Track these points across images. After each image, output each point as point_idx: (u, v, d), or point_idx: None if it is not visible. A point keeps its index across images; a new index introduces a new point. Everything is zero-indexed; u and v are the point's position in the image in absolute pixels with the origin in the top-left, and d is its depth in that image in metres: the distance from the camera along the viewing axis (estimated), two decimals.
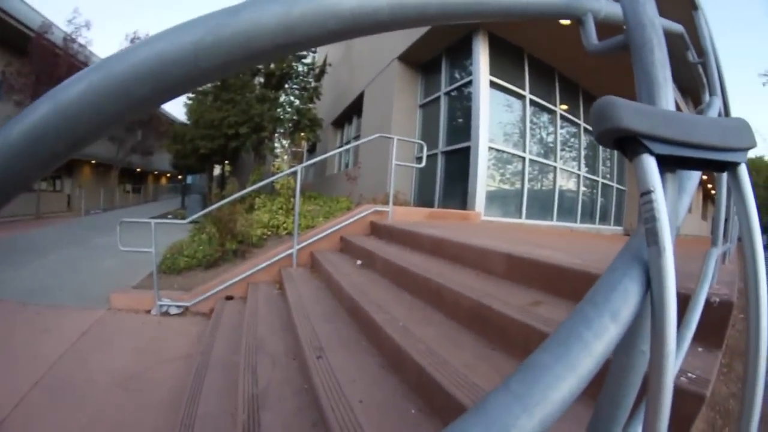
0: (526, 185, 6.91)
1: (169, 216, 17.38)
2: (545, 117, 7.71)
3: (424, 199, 7.72)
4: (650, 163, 0.42)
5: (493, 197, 6.46)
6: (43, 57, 13.87)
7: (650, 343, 0.41)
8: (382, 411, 1.66)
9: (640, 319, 0.43)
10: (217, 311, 4.04)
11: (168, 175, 37.16)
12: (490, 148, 6.25)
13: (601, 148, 9.40)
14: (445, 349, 1.88)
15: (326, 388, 1.85)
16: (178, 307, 4.35)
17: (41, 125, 0.34)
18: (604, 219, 9.52)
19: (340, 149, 8.59)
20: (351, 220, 4.69)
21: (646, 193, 0.41)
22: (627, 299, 0.38)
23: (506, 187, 6.85)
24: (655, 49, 0.53)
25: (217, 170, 19.82)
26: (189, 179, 24.61)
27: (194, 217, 5.14)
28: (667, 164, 0.43)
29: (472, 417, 0.29)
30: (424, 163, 5.18)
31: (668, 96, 0.51)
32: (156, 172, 35.55)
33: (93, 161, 22.73)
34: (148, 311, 4.36)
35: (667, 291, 0.39)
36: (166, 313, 4.31)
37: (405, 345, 1.93)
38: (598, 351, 0.34)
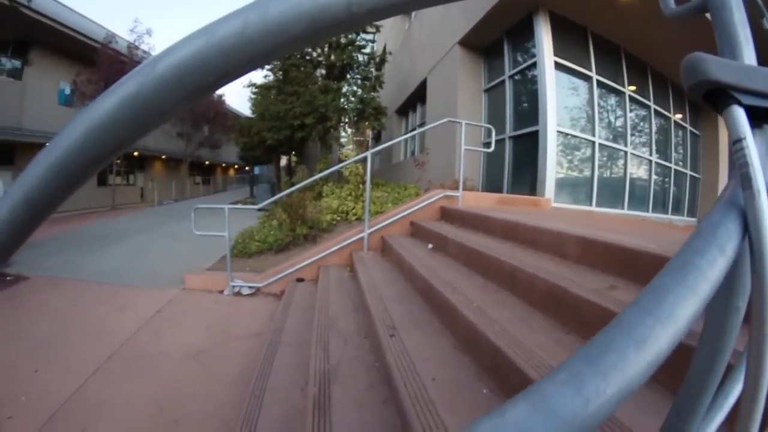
0: (596, 171, 6.67)
1: (239, 203, 18.38)
2: (613, 99, 7.34)
3: (492, 185, 7.64)
4: (740, 114, 0.43)
5: (562, 184, 6.32)
6: (110, 65, 15.19)
7: (749, 293, 0.41)
8: (454, 389, 1.67)
9: (736, 271, 0.43)
10: (288, 292, 4.14)
11: (236, 166, 38.91)
12: (559, 132, 6.10)
13: (673, 132, 8.79)
14: (519, 331, 1.89)
15: (399, 366, 1.86)
16: (250, 287, 4.52)
17: (111, 116, 0.37)
18: (677, 209, 8.91)
19: (406, 135, 8.61)
20: (421, 205, 4.82)
21: (738, 141, 0.42)
22: (730, 236, 0.39)
23: (575, 173, 6.66)
24: (734, 9, 0.53)
25: (283, 161, 20.64)
26: (256, 170, 25.78)
27: (265, 203, 5.32)
28: (756, 116, 0.44)
29: (613, 329, 0.30)
30: (493, 148, 5.20)
31: (751, 53, 0.52)
32: (224, 165, 37.23)
33: (163, 156, 24.24)
34: (221, 291, 4.53)
35: (764, 232, 0.39)
36: (239, 294, 4.48)
37: (479, 325, 1.95)
38: (713, 277, 0.35)
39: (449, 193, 4.91)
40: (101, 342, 3.16)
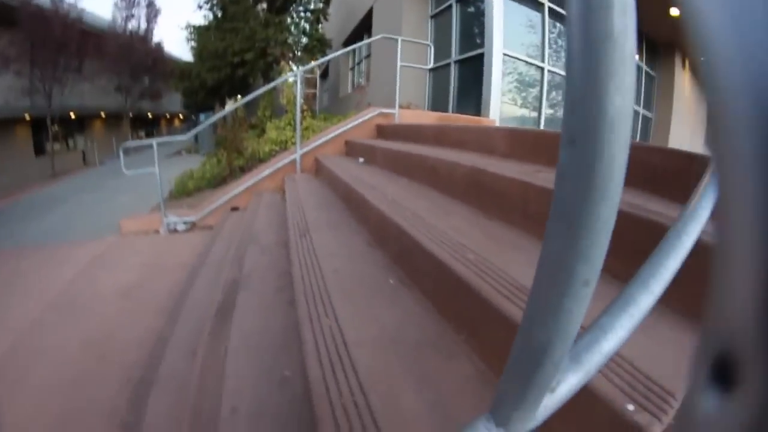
0: (545, 97, 6.51)
1: (183, 151, 17.45)
2: (565, 26, 7.16)
3: (437, 108, 7.37)
4: None
5: (509, 108, 6.17)
6: (34, 23, 13.94)
7: None
8: (356, 280, 1.60)
9: None
10: (220, 221, 4.05)
11: (180, 116, 37.17)
12: (506, 56, 5.85)
13: None
14: (434, 216, 1.81)
15: (302, 263, 1.78)
16: (185, 223, 4.34)
17: None
18: None
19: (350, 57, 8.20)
20: (356, 122, 4.50)
21: None
22: None
23: (523, 97, 6.51)
24: None
25: (229, 106, 19.71)
26: (202, 117, 24.69)
27: (193, 132, 4.97)
28: None
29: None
30: (432, 64, 4.90)
31: None
32: (168, 115, 35.76)
33: (103, 114, 22.88)
34: (157, 231, 4.39)
35: None
36: (175, 231, 4.33)
37: (391, 214, 1.85)
38: None
39: (386, 110, 4.61)
40: (38, 297, 3.13)
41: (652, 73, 10.01)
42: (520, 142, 2.37)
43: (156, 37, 27.74)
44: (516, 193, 1.67)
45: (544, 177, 1.66)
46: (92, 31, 19.27)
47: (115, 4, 23.55)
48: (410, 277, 1.57)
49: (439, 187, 2.33)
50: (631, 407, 0.66)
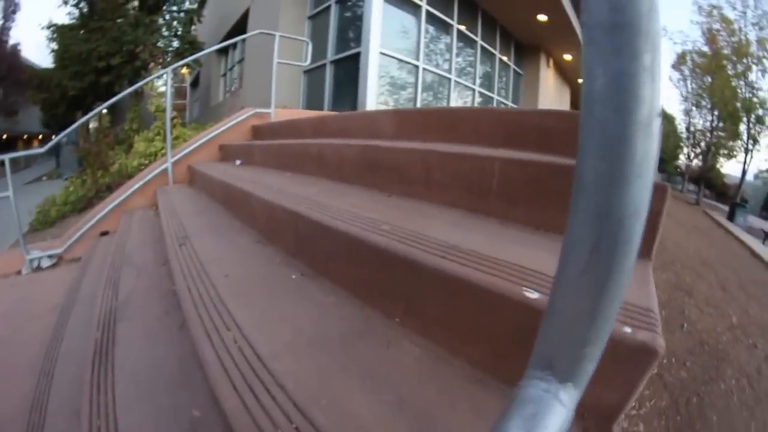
0: (420, 94, 6.85)
1: (44, 178, 15.40)
2: (442, 30, 7.62)
3: (312, 107, 7.34)
4: None
5: (385, 103, 6.32)
6: None
7: None
8: (253, 282, 1.41)
9: None
10: (90, 249, 3.56)
11: (40, 137, 32.63)
12: (382, 54, 6.02)
13: (497, 68, 9.87)
14: (330, 199, 1.70)
15: (186, 273, 1.56)
16: (50, 257, 3.80)
17: None
18: None
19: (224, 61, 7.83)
20: (229, 124, 4.24)
21: None
22: None
23: (399, 94, 6.71)
24: None
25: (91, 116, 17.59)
26: (65, 138, 21.73)
27: (52, 144, 4.32)
28: None
29: None
30: (308, 61, 4.83)
31: None
32: (26, 136, 31.24)
33: None
34: (19, 272, 3.75)
35: None
36: (39, 268, 3.76)
37: (281, 202, 1.69)
38: None
39: (261, 110, 4.43)
40: None
41: (519, 70, 11.27)
42: (408, 121, 2.33)
43: (12, 39, 23.61)
44: (416, 163, 1.64)
45: (444, 146, 1.67)
46: None
47: None
48: (314, 268, 1.43)
49: (328, 174, 2.22)
50: None
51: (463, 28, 8.03)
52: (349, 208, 1.51)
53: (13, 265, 3.77)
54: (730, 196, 19.08)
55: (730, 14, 14.93)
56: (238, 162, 3.58)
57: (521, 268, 0.92)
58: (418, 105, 6.79)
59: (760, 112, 14.46)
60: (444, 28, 7.62)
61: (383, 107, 6.12)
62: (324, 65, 7.01)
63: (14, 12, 22.48)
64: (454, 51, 7.82)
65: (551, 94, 12.57)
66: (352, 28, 6.61)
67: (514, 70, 10.99)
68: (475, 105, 8.69)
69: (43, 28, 12.83)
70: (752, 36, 14.47)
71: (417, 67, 6.74)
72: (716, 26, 15.31)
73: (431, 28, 7.21)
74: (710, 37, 15.41)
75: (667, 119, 18.55)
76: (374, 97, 5.86)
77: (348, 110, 5.87)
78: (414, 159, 1.68)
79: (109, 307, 1.79)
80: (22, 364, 2.20)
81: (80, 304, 2.38)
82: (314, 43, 7.15)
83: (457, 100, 8.06)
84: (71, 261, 3.80)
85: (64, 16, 12.24)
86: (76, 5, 10.99)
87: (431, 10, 7.01)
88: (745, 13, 14.58)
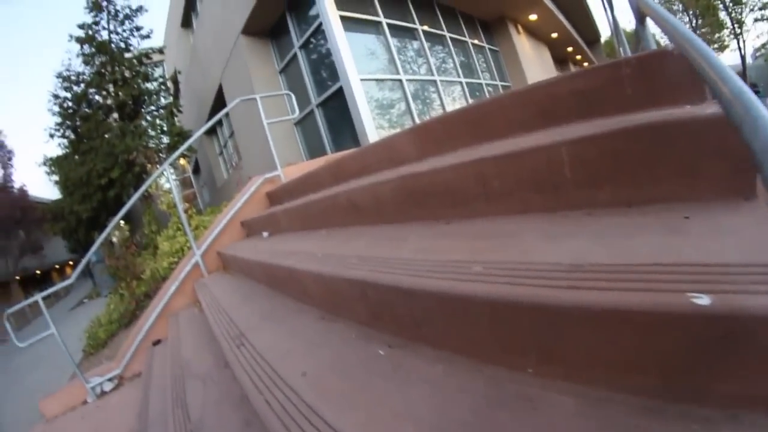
0: (412, 105, 6.74)
1: (85, 300, 15.79)
2: (408, 37, 7.54)
3: (315, 155, 7.33)
4: None
5: (381, 126, 6.25)
6: None
7: None
8: (337, 375, 1.15)
9: None
10: (147, 362, 3.46)
11: (71, 262, 33.93)
12: (363, 80, 5.96)
13: (473, 53, 9.70)
14: (383, 249, 1.52)
15: (254, 380, 1.34)
16: (111, 380, 3.74)
17: None
18: None
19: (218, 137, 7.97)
20: (243, 199, 4.17)
21: None
22: None
23: (392, 112, 6.64)
24: None
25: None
26: (93, 258, 22.45)
27: (77, 271, 4.35)
28: None
29: None
30: (297, 113, 4.77)
31: None
32: (57, 266, 32.44)
33: None
34: (85, 401, 3.70)
35: None
36: (103, 393, 3.70)
37: (332, 271, 1.50)
38: None
39: (269, 174, 4.36)
40: None
41: (494, 48, 11.09)
42: (429, 135, 2.10)
43: (17, 182, 25.14)
44: (466, 178, 1.43)
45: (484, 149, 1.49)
46: None
47: None
48: (402, 336, 1.19)
49: (367, 220, 2.03)
50: None
51: (426, 27, 7.96)
52: (414, 255, 1.28)
53: (78, 396, 3.77)
54: None
55: None
56: (265, 234, 3.48)
57: (661, 267, 0.73)
58: (414, 114, 6.68)
59: None
60: (409, 33, 7.56)
61: (383, 132, 6.03)
62: (312, 111, 7.00)
63: (10, 159, 23.67)
64: (428, 52, 7.73)
65: (532, 58, 12.40)
66: (324, 66, 6.61)
67: (489, 48, 10.86)
68: (467, 96, 8.54)
69: (40, 165, 13.46)
70: None
71: (400, 80, 6.66)
72: None
73: (396, 39, 7.14)
74: None
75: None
76: (371, 122, 5.78)
77: (350, 146, 5.79)
78: (462, 174, 1.48)
79: (185, 431, 1.62)
80: None
81: (154, 426, 2.19)
82: (295, 93, 7.22)
83: (447, 98, 7.92)
84: (132, 377, 3.77)
85: (56, 147, 12.87)
86: (63, 135, 11.45)
87: (391, 21, 6.96)
88: None
